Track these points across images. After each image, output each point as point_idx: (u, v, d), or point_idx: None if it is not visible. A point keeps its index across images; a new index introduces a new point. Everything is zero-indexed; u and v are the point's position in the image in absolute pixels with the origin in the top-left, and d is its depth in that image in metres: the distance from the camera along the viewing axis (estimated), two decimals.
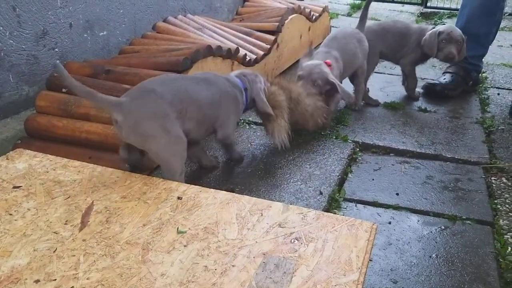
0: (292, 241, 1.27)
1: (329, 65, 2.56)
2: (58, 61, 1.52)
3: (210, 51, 2.34)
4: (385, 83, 3.31)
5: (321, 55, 2.68)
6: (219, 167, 2.12)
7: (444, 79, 3.14)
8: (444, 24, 5.28)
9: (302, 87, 2.38)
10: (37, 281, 1.10)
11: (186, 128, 1.72)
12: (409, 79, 3.08)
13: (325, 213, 1.40)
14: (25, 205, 1.37)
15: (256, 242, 1.26)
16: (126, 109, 1.56)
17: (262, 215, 1.37)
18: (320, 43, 2.93)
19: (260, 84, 2.14)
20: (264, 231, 1.30)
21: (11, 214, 1.33)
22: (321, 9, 4.06)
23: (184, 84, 1.77)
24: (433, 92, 3.08)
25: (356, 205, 1.92)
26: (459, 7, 3.45)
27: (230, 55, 2.52)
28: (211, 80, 1.90)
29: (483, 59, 3.31)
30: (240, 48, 2.68)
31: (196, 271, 1.14)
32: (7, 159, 1.62)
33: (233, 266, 1.17)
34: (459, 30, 2.89)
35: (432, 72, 3.58)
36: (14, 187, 1.45)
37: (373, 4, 6.16)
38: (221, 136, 1.97)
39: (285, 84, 2.31)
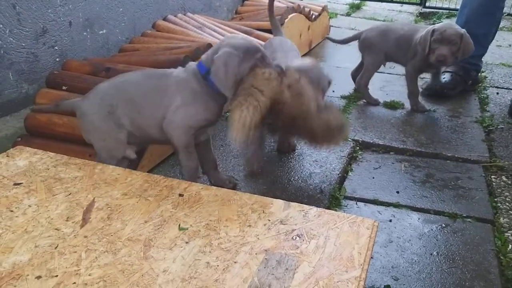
0: (294, 238, 1.26)
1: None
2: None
3: None
4: (385, 82, 3.32)
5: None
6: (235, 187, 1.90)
7: (444, 78, 3.14)
8: None
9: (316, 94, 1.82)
10: (38, 277, 1.09)
11: (124, 124, 1.65)
12: (408, 86, 2.88)
13: (327, 210, 1.40)
14: (26, 202, 1.36)
15: (258, 238, 1.25)
16: (77, 110, 1.71)
17: (263, 212, 1.37)
18: (319, 43, 2.93)
19: (229, 48, 1.60)
20: (266, 228, 1.30)
21: (12, 211, 1.32)
22: (321, 8, 4.06)
23: (125, 79, 1.70)
24: (433, 92, 3.08)
25: (356, 203, 1.92)
26: (458, 7, 3.46)
27: None
28: (159, 73, 1.72)
29: (482, 59, 3.32)
30: None
31: (198, 268, 1.14)
32: (7, 156, 1.61)
33: (235, 262, 1.16)
34: (456, 28, 2.63)
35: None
36: (15, 184, 1.45)
37: (371, 4, 6.21)
38: (165, 125, 1.63)
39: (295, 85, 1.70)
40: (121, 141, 1.68)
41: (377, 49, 2.89)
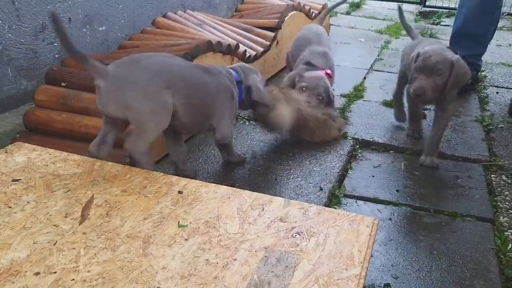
0: (294, 236, 1.26)
1: (329, 76, 2.53)
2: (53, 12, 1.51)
3: (210, 47, 2.33)
4: (385, 81, 3.31)
5: (318, 56, 2.62)
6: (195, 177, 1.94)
7: None
8: (442, 24, 5.30)
9: (307, 98, 2.33)
10: (37, 273, 1.08)
11: (175, 105, 1.66)
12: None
13: (326, 208, 1.40)
14: (25, 198, 1.36)
15: (258, 236, 1.25)
16: (109, 75, 1.56)
17: (263, 209, 1.36)
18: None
19: (257, 76, 2.06)
20: (266, 226, 1.29)
21: (10, 207, 1.31)
22: (321, 6, 4.05)
23: (176, 61, 1.74)
24: None
25: (356, 201, 1.91)
26: (458, 6, 3.43)
27: (230, 51, 2.51)
28: (210, 70, 1.86)
29: (482, 58, 3.31)
30: (240, 44, 2.67)
31: (197, 265, 1.13)
32: (6, 152, 1.60)
33: (234, 260, 1.16)
34: (447, 54, 2.04)
35: None
36: (13, 180, 1.44)
37: (371, 2, 6.19)
38: (219, 136, 1.91)
39: (287, 91, 2.27)
40: (168, 114, 1.64)
41: (400, 65, 2.58)
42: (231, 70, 1.99)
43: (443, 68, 2.02)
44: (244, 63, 2.24)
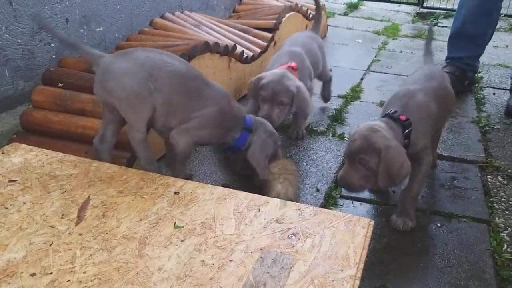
0: (290, 237, 1.26)
1: (294, 69, 2.32)
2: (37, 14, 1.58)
3: (208, 48, 2.33)
4: (382, 82, 3.32)
5: (285, 55, 2.44)
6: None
7: None
8: (439, 25, 5.30)
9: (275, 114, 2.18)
10: (33, 274, 1.09)
11: (154, 101, 1.63)
12: None
13: (322, 209, 1.40)
14: (21, 199, 1.36)
15: (254, 237, 1.25)
16: (101, 63, 1.62)
17: (259, 210, 1.37)
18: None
19: (269, 139, 1.88)
20: (262, 227, 1.30)
21: (6, 208, 1.32)
22: None
23: (171, 60, 1.69)
24: None
25: (352, 202, 1.92)
26: (455, 7, 3.45)
27: (227, 51, 2.51)
28: (200, 78, 1.75)
29: (479, 59, 3.32)
30: (237, 45, 2.68)
31: (193, 266, 1.14)
32: (2, 153, 1.60)
33: (230, 261, 1.16)
34: (373, 138, 1.58)
35: None
36: (10, 181, 1.44)
37: (369, 4, 6.21)
38: (173, 142, 1.71)
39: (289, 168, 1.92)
40: (145, 104, 1.62)
41: None
42: (245, 114, 1.88)
43: (368, 158, 1.58)
44: (262, 120, 1.97)
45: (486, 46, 3.29)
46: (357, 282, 1.12)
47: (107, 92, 1.61)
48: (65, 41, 1.74)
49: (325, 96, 2.84)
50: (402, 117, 1.69)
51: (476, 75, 3.37)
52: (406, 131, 1.67)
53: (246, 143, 1.85)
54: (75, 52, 2.45)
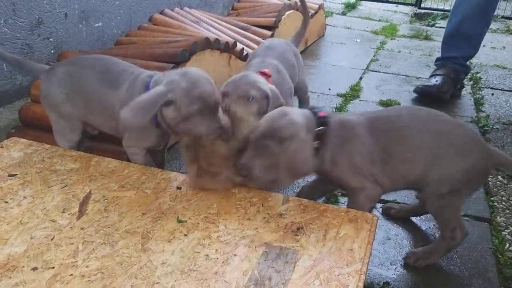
0: (294, 231, 1.25)
1: (266, 75, 1.86)
2: None
3: (208, 44, 2.32)
4: (381, 81, 3.31)
5: (255, 66, 1.97)
6: None
7: (436, 81, 3.02)
8: (437, 26, 5.32)
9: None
10: (34, 268, 1.07)
11: (78, 114, 1.63)
12: None
13: (326, 205, 1.39)
14: (21, 193, 1.34)
15: (258, 232, 1.24)
16: (41, 83, 1.67)
17: (262, 205, 1.36)
18: (315, 41, 2.87)
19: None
20: (265, 221, 1.28)
21: (6, 202, 1.30)
22: (317, 6, 4.05)
23: (81, 67, 1.61)
24: (429, 95, 2.97)
25: None
26: (453, 6, 3.39)
27: (227, 48, 2.50)
28: (118, 80, 1.59)
29: (474, 61, 3.26)
30: (237, 43, 2.66)
31: (197, 260, 1.12)
32: (1, 147, 1.58)
33: (234, 255, 1.15)
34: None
35: (427, 71, 3.57)
36: (10, 175, 1.42)
37: (367, 4, 6.21)
38: (123, 143, 1.62)
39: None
40: (76, 127, 1.67)
41: None
42: (148, 77, 1.55)
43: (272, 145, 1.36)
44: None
45: (483, 47, 3.25)
46: (363, 277, 1.11)
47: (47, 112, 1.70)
48: (7, 57, 1.72)
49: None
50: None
51: (474, 75, 3.35)
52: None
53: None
54: (73, 48, 2.44)
